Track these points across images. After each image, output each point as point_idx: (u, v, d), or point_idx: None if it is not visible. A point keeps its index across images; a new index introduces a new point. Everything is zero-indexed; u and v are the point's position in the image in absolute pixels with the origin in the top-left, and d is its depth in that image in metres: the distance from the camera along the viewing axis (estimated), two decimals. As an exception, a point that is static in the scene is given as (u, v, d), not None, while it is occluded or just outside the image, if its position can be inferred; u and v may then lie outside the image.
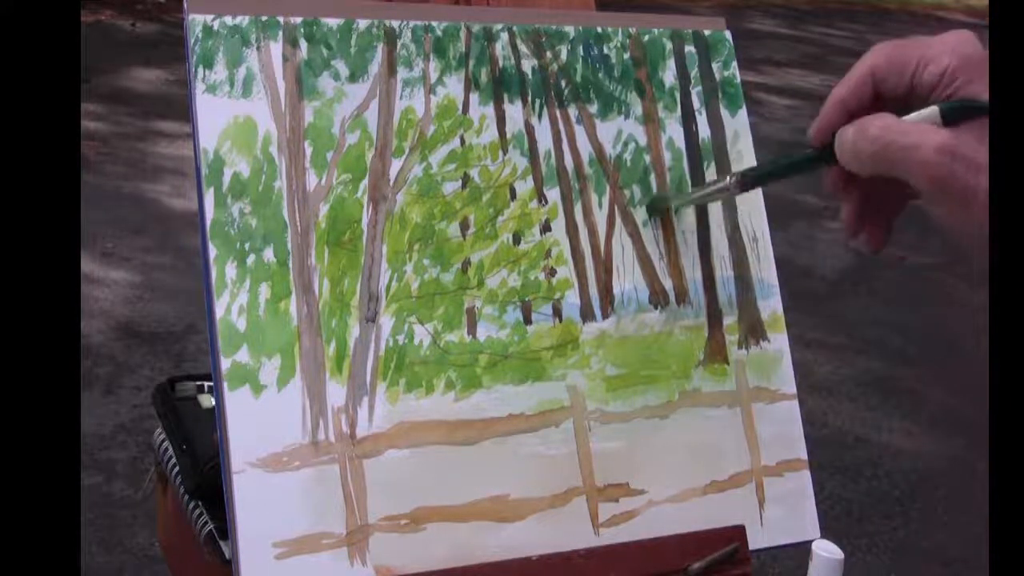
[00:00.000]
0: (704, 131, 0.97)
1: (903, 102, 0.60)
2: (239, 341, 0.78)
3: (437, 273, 0.85)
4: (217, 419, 0.78)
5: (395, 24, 0.87)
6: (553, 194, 0.90)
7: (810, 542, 0.92)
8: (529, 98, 0.91)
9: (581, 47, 0.93)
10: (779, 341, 0.96)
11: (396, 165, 0.85)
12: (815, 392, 3.06)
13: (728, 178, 0.82)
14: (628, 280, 0.91)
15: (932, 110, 0.58)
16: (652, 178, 0.94)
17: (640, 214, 0.93)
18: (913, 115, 0.58)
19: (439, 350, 0.84)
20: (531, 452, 0.85)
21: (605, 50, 0.94)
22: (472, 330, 0.85)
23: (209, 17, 0.81)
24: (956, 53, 0.58)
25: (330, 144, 0.83)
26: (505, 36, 0.91)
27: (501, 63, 0.90)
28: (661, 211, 0.93)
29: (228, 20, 0.82)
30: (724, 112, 0.98)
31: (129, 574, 2.10)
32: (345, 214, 0.83)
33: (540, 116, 0.91)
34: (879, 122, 0.58)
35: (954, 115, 0.57)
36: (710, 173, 0.96)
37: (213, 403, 0.85)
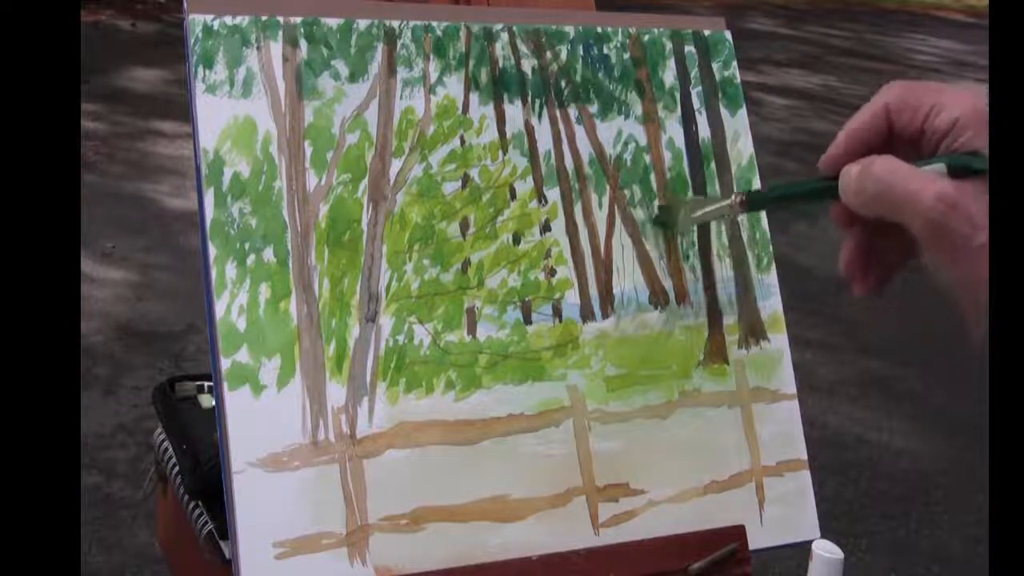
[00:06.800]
0: (704, 131, 0.97)
1: (914, 144, 0.60)
2: (239, 341, 0.78)
3: (437, 273, 0.85)
4: (217, 419, 0.78)
5: (395, 24, 0.87)
6: (553, 194, 0.90)
7: (810, 542, 0.93)
8: (529, 98, 0.91)
9: (581, 47, 0.93)
10: (779, 341, 0.96)
11: (396, 165, 0.85)
12: (815, 392, 3.05)
13: (733, 197, 0.80)
14: (628, 280, 0.91)
15: (939, 164, 0.58)
16: (652, 178, 0.94)
17: (640, 214, 0.93)
18: (920, 162, 0.59)
19: (439, 350, 0.84)
20: (531, 452, 0.85)
21: (605, 50, 0.94)
22: (472, 330, 0.85)
23: (209, 17, 0.81)
24: (968, 106, 0.58)
25: (330, 144, 0.83)
26: (505, 36, 0.91)
27: (501, 63, 0.90)
28: (667, 225, 0.93)
29: (228, 20, 0.82)
30: (724, 112, 0.98)
31: (129, 574, 2.10)
32: (345, 214, 0.83)
33: (540, 116, 0.91)
34: (884, 162, 0.58)
35: (959, 170, 0.57)
36: (711, 174, 0.96)
37: (213, 403, 0.85)
